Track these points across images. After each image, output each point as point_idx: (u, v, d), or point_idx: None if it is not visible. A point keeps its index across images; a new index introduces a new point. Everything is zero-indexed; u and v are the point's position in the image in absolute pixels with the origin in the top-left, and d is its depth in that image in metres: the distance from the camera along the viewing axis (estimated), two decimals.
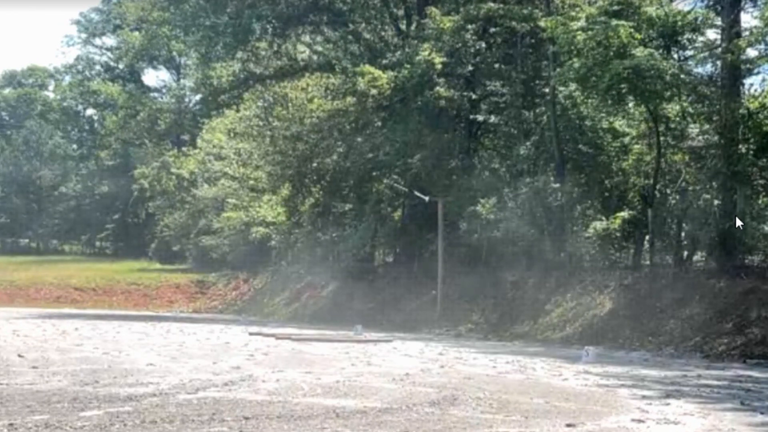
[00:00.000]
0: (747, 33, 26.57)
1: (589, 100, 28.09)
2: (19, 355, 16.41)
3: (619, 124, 30.84)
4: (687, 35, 26.77)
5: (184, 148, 70.20)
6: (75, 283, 57.43)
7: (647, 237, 27.97)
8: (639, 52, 24.04)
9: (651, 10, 25.86)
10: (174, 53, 76.25)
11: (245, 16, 43.24)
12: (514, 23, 34.59)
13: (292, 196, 47.96)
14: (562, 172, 31.13)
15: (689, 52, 28.54)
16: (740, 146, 25.16)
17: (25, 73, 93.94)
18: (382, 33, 46.48)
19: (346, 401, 10.66)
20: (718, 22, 26.81)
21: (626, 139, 30.64)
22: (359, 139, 39.18)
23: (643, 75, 24.19)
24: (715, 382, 14.69)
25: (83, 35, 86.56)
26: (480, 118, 36.81)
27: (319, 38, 48.79)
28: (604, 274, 28.30)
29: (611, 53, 24.35)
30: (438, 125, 36.48)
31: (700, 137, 26.97)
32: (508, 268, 33.03)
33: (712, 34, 28.43)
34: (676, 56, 27.61)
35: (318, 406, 10.21)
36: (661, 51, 25.70)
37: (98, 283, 57.86)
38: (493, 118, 36.38)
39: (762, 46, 26.39)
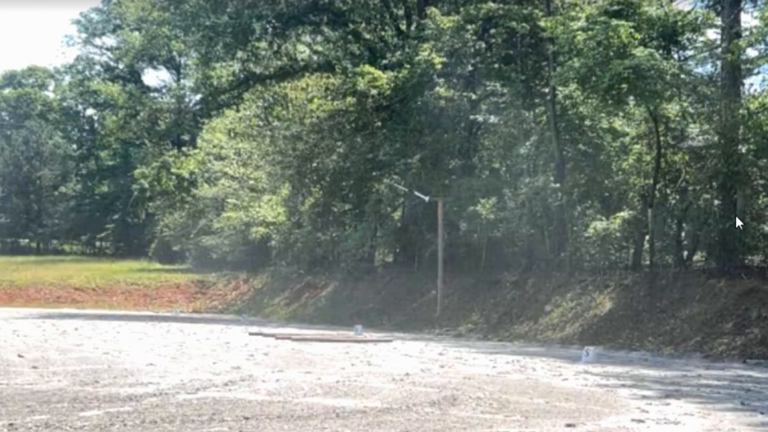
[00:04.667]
0: (747, 33, 26.56)
1: (589, 100, 28.05)
2: (19, 355, 16.41)
3: (619, 124, 30.84)
4: (687, 35, 26.76)
5: (184, 148, 70.20)
6: (75, 283, 57.43)
7: (647, 237, 27.95)
8: (639, 52, 24.02)
9: (651, 10, 25.84)
10: (174, 53, 76.28)
11: (245, 16, 43.29)
12: (514, 23, 34.59)
13: (292, 196, 48.00)
14: (562, 172, 31.13)
15: (689, 52, 28.56)
16: (740, 146, 25.15)
17: (25, 73, 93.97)
18: (382, 33, 46.52)
19: (346, 401, 10.66)
20: (718, 22, 26.81)
21: (626, 139, 30.62)
22: (359, 139, 39.20)
23: (643, 75, 24.17)
24: (715, 382, 14.69)
25: (83, 35, 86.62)
26: (480, 118, 36.81)
27: (319, 38, 48.84)
28: (604, 274, 28.28)
29: (611, 53, 24.33)
30: (438, 125, 36.49)
31: (700, 137, 26.96)
32: (508, 268, 33.03)
33: (712, 34, 28.48)
34: (676, 56, 27.61)
35: (318, 406, 10.21)
36: (661, 51, 25.68)
37: (98, 283, 57.86)
38: (493, 118, 36.37)
39: (762, 46, 26.39)
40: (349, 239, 41.45)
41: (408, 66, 35.17)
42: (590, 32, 24.74)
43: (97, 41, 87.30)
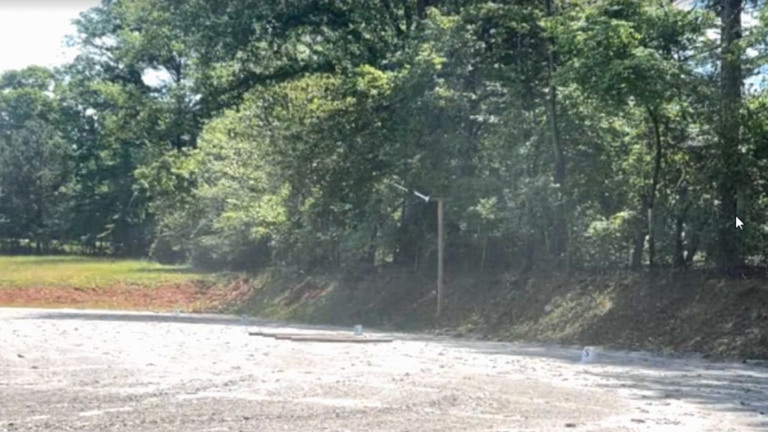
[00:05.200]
0: (747, 33, 26.56)
1: (589, 100, 28.06)
2: (19, 355, 16.41)
3: (619, 124, 30.84)
4: (687, 35, 26.76)
5: (184, 148, 70.26)
6: (75, 283, 57.45)
7: (647, 237, 27.95)
8: (639, 52, 24.02)
9: (651, 10, 25.84)
10: (174, 53, 76.32)
11: (245, 16, 43.33)
12: (514, 23, 34.60)
13: (292, 196, 48.04)
14: (562, 172, 31.13)
15: (689, 52, 28.56)
16: (740, 146, 25.14)
17: (25, 73, 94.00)
18: (382, 33, 46.55)
19: (346, 401, 10.66)
20: (718, 22, 26.80)
21: (626, 139, 30.63)
22: (359, 139, 39.19)
23: (643, 75, 24.17)
24: (715, 382, 14.68)
25: (83, 35, 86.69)
26: (480, 118, 36.80)
27: (319, 38, 48.88)
28: (604, 274, 28.29)
29: (611, 53, 24.33)
30: (438, 125, 36.49)
31: (700, 137, 26.95)
32: (508, 268, 33.03)
33: (712, 34, 28.47)
34: (676, 56, 27.61)
35: (318, 406, 10.20)
36: (661, 51, 25.69)
37: (98, 283, 57.88)
38: (493, 118, 36.37)
39: (762, 46, 26.39)
40: (349, 239, 41.45)
41: (408, 66, 35.16)
42: (590, 32, 24.73)
43: (97, 41, 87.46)
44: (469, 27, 35.15)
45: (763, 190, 25.79)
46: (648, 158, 28.63)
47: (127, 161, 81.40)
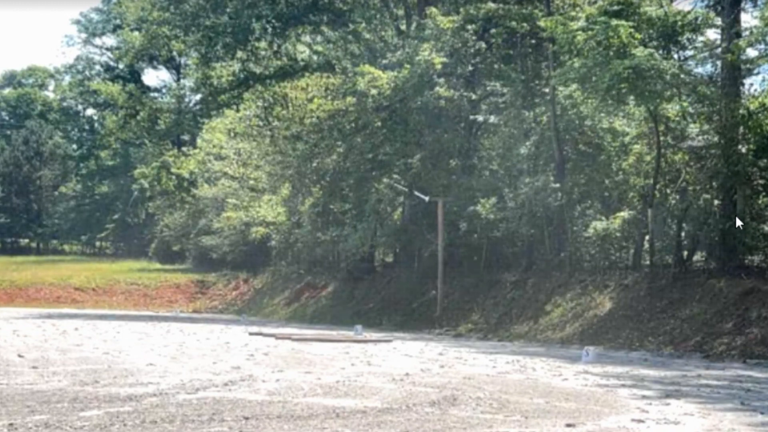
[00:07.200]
0: (747, 33, 26.56)
1: (589, 100, 28.06)
2: (19, 355, 16.42)
3: (619, 124, 30.84)
4: (687, 35, 26.75)
5: (184, 148, 70.29)
6: (75, 283, 57.47)
7: (647, 237, 27.94)
8: (639, 52, 24.01)
9: (651, 10, 25.82)
10: (174, 53, 76.33)
11: (245, 16, 43.36)
12: (514, 23, 34.60)
13: (292, 196, 48.05)
14: (562, 172, 31.13)
15: (689, 52, 28.55)
16: (740, 146, 25.14)
17: (25, 73, 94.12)
18: (382, 33, 46.55)
19: (346, 401, 10.66)
20: (718, 22, 26.80)
21: (626, 139, 30.62)
22: (359, 139, 39.18)
23: (643, 75, 24.15)
24: (715, 382, 14.68)
25: (83, 35, 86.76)
26: (480, 118, 36.80)
27: (319, 38, 48.89)
28: (604, 274, 28.29)
29: (611, 53, 24.31)
30: (438, 125, 36.49)
31: (700, 137, 26.94)
32: (508, 268, 33.03)
33: (712, 34, 28.47)
34: (676, 56, 27.61)
35: (318, 406, 10.21)
36: (661, 51, 25.68)
37: (98, 283, 57.89)
38: (493, 118, 36.37)
39: (762, 46, 26.39)
40: (349, 239, 41.42)
41: (408, 66, 35.15)
42: (590, 32, 24.72)
43: (97, 41, 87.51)
44: (469, 27, 35.15)
45: (763, 190, 25.77)
46: (648, 158, 28.62)
47: (127, 161, 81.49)
